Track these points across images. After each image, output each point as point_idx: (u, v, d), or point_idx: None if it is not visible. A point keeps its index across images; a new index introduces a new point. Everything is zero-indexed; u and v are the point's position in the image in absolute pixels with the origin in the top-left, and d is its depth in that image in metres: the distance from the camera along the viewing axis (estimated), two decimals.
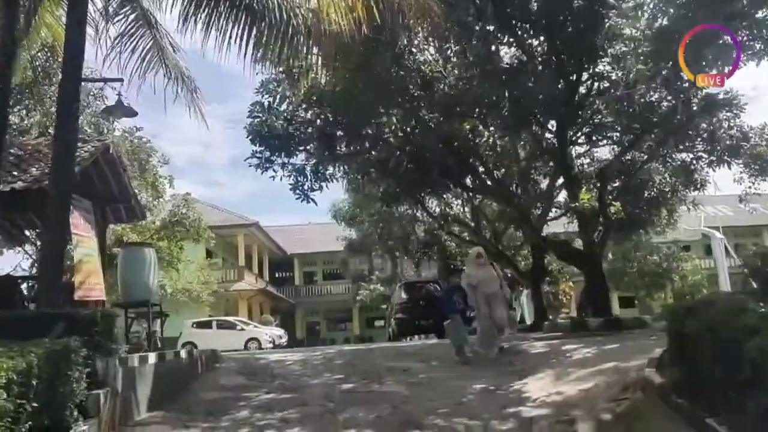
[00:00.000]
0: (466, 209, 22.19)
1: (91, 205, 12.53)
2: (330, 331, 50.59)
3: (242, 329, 30.59)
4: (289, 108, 14.49)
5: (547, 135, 15.82)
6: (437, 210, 21.72)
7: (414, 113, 14.35)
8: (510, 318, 10.29)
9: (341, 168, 17.35)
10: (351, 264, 35.23)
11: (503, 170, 17.11)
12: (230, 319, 31.94)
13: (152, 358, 8.58)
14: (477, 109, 14.34)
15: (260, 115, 14.25)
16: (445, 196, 19.98)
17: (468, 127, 15.01)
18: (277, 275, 51.00)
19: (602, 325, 13.99)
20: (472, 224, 21.45)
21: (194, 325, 30.79)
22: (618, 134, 15.89)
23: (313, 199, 16.50)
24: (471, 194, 19.27)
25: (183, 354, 10.70)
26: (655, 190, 18.96)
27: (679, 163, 18.87)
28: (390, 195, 17.74)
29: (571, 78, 13.74)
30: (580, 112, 14.57)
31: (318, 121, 14.24)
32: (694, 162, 18.44)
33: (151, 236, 26.50)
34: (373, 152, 15.89)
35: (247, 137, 14.56)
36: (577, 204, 13.98)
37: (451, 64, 14.49)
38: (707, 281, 43.10)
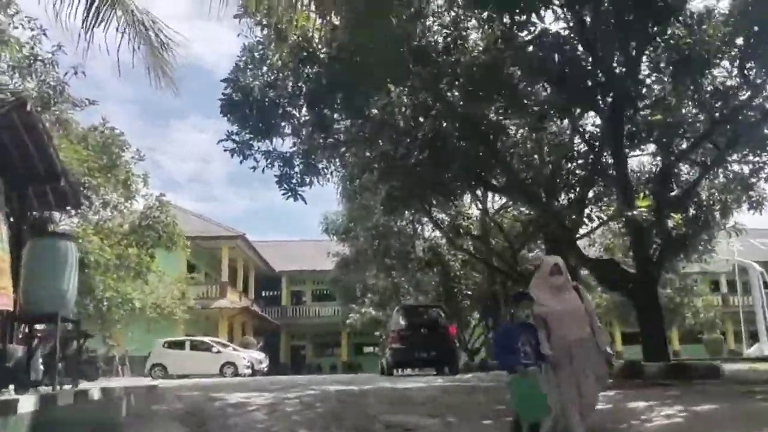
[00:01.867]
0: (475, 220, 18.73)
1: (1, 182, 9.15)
2: (316, 356, 46.83)
3: (218, 351, 26.95)
4: (272, 73, 10.99)
5: (589, 128, 12.62)
6: (446, 220, 18.23)
7: (434, 86, 11.00)
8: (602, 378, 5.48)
9: (336, 161, 13.98)
10: (342, 283, 31.67)
11: (531, 169, 13.66)
12: (206, 339, 28.27)
13: (28, 403, 5.29)
14: (507, 90, 11.00)
15: (236, 79, 10.73)
16: (456, 202, 16.65)
17: (498, 109, 11.58)
18: (263, 293, 47.33)
19: (663, 371, 10.59)
20: (488, 239, 18.00)
21: (165, 345, 27.17)
22: (683, 128, 12.57)
23: (301, 196, 13.11)
24: (495, 196, 15.99)
25: (95, 393, 7.22)
26: (703, 207, 15.62)
27: (731, 174, 15.58)
28: (394, 198, 14.36)
29: (631, 46, 10.43)
30: (643, 91, 11.28)
31: (307, 88, 10.75)
32: (755, 174, 15.17)
33: (118, 241, 23.03)
34: (379, 141, 12.49)
35: (220, 112, 11.13)
36: (633, 212, 10.65)
37: (479, 31, 11.24)
38: (720, 319, 40.04)
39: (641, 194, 11.61)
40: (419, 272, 23.53)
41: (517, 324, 5.11)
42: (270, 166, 13.15)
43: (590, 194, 13.52)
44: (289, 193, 13.11)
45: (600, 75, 10.58)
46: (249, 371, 27.16)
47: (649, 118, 11.92)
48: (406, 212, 18.06)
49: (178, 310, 28.39)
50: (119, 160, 22.99)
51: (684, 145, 13.00)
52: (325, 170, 13.65)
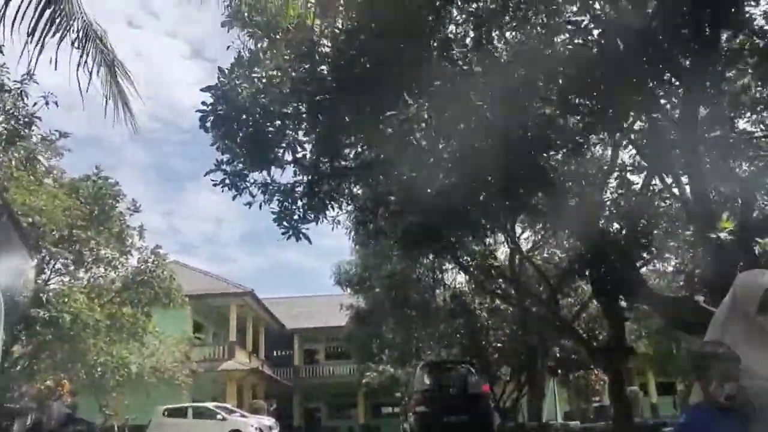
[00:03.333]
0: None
1: None
2: (332, 418, 43.70)
3: (223, 419, 24.28)
4: (264, 77, 8.77)
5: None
6: (472, 263, 15.77)
7: (464, 90, 8.84)
8: None
9: (345, 192, 11.77)
10: (357, 339, 29.08)
11: (584, 190, 11.27)
12: (210, 405, 25.61)
13: None
14: (556, 92, 8.85)
15: (223, 83, 8.48)
16: (487, 240, 14.30)
17: (548, 113, 9.22)
18: (274, 353, 44.63)
19: None
20: (521, 281, 15.48)
21: (165, 413, 24.55)
22: None
23: (304, 235, 10.87)
24: (528, 233, 13.72)
25: None
26: None
27: None
28: (414, 236, 12.11)
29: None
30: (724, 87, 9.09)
31: (307, 91, 8.51)
32: None
33: (110, 299, 20.83)
34: (395, 165, 10.28)
35: (200, 126, 8.91)
36: (717, 235, 8.36)
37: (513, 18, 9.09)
38: None
39: (724, 215, 9.32)
40: (442, 323, 21.02)
41: (714, 409, 2.61)
42: (267, 201, 10.98)
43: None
44: (290, 232, 10.88)
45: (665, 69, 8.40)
46: None
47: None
48: (428, 254, 15.76)
49: (180, 374, 25.91)
50: (113, 212, 21.07)
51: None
52: (333, 204, 11.43)
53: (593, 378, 30.67)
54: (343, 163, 10.94)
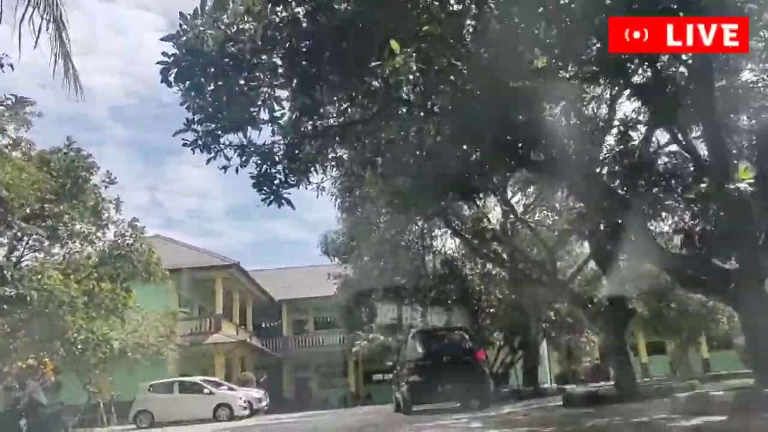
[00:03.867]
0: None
1: None
2: (323, 387, 43.29)
3: (210, 393, 23.65)
4: (234, 24, 7.74)
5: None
6: (464, 226, 14.99)
7: (455, 37, 7.95)
8: None
9: (331, 154, 10.90)
10: (346, 309, 28.43)
11: (585, 144, 10.48)
12: (196, 380, 24.95)
13: None
14: (555, 31, 7.98)
15: (185, 30, 7.38)
16: (481, 201, 13.53)
17: (540, 66, 8.37)
18: (263, 325, 44.02)
19: None
20: (516, 243, 14.71)
21: (151, 389, 23.86)
22: None
23: (287, 200, 10.03)
24: (521, 195, 12.97)
25: None
26: None
27: None
28: (404, 200, 11.34)
29: None
30: None
31: (281, 37, 7.51)
32: None
33: (87, 275, 19.95)
34: (383, 119, 9.41)
35: (161, 80, 7.88)
36: (736, 185, 7.65)
37: None
38: None
39: (741, 165, 8.61)
40: (432, 290, 20.38)
41: None
42: (244, 164, 10.10)
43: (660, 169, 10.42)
44: (271, 197, 10.05)
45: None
46: (246, 412, 23.90)
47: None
48: (418, 219, 15.03)
49: (166, 348, 25.22)
50: (86, 185, 20.10)
51: None
52: (316, 167, 10.58)
53: (583, 339, 30.29)
54: (325, 121, 10.05)
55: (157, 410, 23.31)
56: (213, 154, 9.98)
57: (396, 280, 21.45)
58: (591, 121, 11.27)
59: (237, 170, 10.12)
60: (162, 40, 7.15)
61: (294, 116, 10.04)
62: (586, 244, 16.31)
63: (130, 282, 20.24)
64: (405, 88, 9.21)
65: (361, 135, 10.38)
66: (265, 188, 10.14)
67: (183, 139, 9.73)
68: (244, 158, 10.06)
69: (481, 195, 12.76)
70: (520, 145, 8.97)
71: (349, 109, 9.76)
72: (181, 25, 7.23)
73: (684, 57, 8.57)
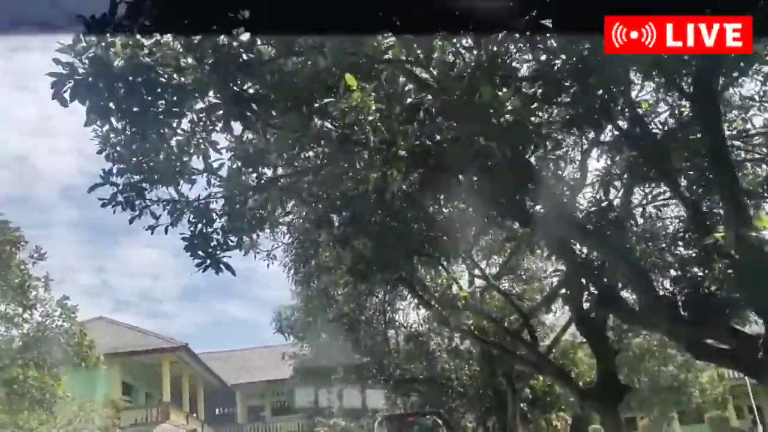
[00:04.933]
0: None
1: None
2: None
3: None
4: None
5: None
6: (432, 295, 13.34)
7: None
8: None
9: (279, 209, 9.28)
10: (304, 392, 26.04)
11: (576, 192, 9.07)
12: None
13: None
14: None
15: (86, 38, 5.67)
16: (450, 264, 11.96)
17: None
18: (216, 411, 40.80)
19: None
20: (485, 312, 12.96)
21: None
22: None
23: (226, 264, 8.33)
24: (512, 244, 11.44)
25: None
26: None
27: None
28: (366, 266, 9.74)
29: None
30: None
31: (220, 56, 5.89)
32: None
33: (8, 363, 17.49)
34: (338, 168, 7.87)
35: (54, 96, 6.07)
36: (754, 233, 6.38)
37: None
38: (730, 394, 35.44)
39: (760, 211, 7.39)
40: (397, 369, 18.45)
41: None
42: (174, 223, 8.44)
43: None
44: (207, 261, 8.36)
45: None
46: None
47: None
48: (381, 288, 13.39)
49: None
50: (12, 260, 17.92)
51: None
52: (261, 226, 8.97)
53: (554, 418, 28.38)
54: (272, 171, 8.53)
55: None
56: (137, 212, 8.37)
57: (357, 358, 19.49)
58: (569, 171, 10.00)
59: (166, 230, 8.49)
60: (58, 51, 5.58)
61: (232, 164, 8.54)
62: (566, 309, 14.92)
63: (59, 369, 17.79)
64: (366, 125, 7.82)
65: (313, 186, 8.86)
66: (200, 251, 8.47)
67: (100, 199, 8.13)
68: (174, 216, 8.44)
69: (451, 260, 11.27)
70: (508, 188, 7.54)
71: (301, 155, 8.26)
72: (84, 33, 5.69)
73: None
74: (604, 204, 9.65)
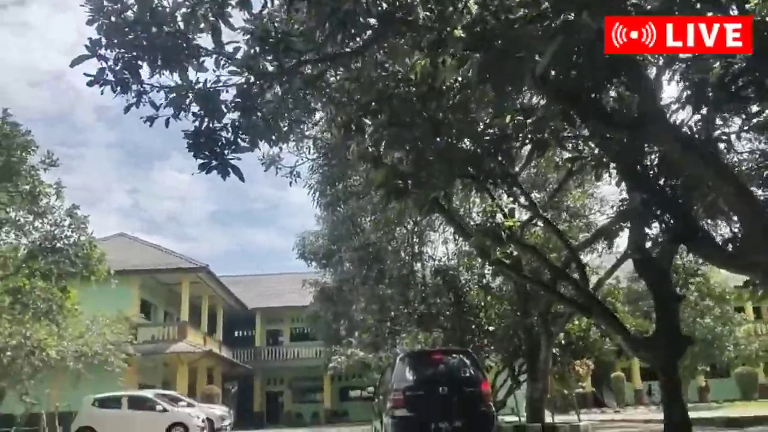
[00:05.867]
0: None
1: None
2: (296, 402, 39.91)
3: (164, 410, 20.24)
4: None
5: None
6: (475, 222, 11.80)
7: None
8: None
9: (300, 105, 7.74)
10: (323, 321, 25.19)
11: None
12: (149, 394, 21.48)
13: None
14: None
15: None
16: (497, 188, 10.45)
17: None
18: (234, 334, 40.62)
19: None
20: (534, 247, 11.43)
21: (96, 403, 20.41)
22: None
23: (234, 167, 6.92)
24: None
25: None
26: None
27: None
28: (401, 182, 8.22)
29: None
30: None
31: None
32: None
33: (14, 272, 16.63)
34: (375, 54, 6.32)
35: None
36: None
37: None
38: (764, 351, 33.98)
39: None
40: (422, 303, 17.24)
41: None
42: (176, 114, 6.95)
43: None
44: (212, 162, 6.93)
45: None
46: None
47: None
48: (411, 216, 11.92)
49: (116, 358, 21.83)
50: (22, 165, 16.79)
51: None
52: (281, 121, 7.47)
53: (577, 363, 27.24)
54: (296, 57, 6.93)
55: (102, 427, 19.85)
56: (133, 98, 6.89)
57: (380, 290, 18.28)
58: None
59: (167, 122, 7.01)
60: None
61: (252, 49, 6.95)
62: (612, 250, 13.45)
63: (68, 281, 16.91)
64: (411, 3, 6.13)
65: (345, 81, 7.27)
66: (205, 150, 7.02)
67: (86, 74, 6.63)
68: (176, 105, 6.93)
69: (499, 181, 9.68)
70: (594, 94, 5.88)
71: (330, 38, 6.63)
72: None
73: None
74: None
